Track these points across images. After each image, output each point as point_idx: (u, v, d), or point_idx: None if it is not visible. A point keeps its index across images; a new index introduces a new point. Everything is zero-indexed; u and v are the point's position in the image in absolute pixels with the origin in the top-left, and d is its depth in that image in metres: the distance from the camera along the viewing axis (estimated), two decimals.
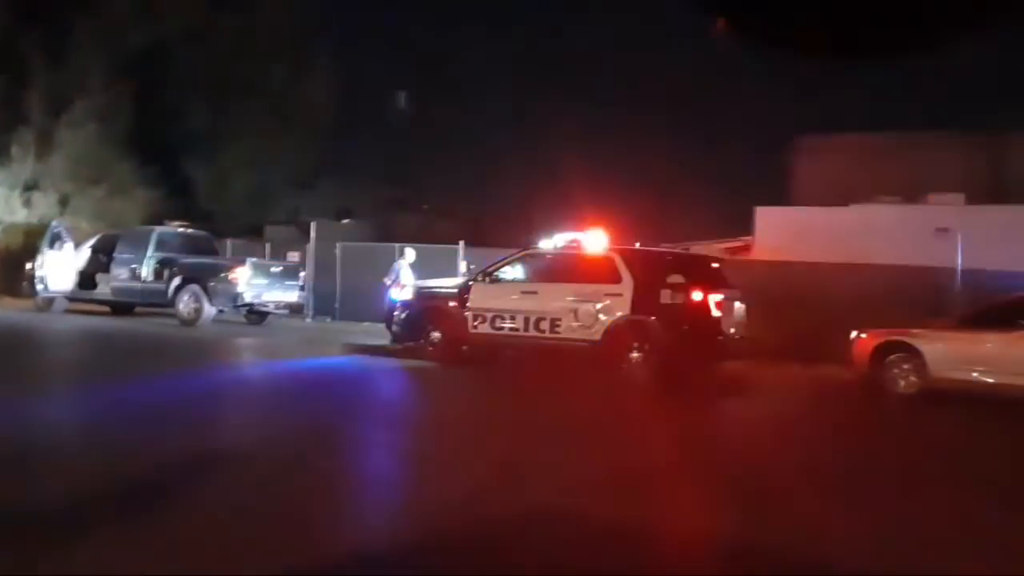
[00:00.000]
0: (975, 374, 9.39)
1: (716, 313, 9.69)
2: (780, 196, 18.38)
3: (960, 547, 4.25)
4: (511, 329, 10.61)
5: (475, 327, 10.84)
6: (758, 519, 4.55)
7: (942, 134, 18.30)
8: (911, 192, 16.35)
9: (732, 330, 10.08)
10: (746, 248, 16.62)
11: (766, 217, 16.58)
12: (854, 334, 10.58)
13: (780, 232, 15.68)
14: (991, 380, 9.25)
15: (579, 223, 11.75)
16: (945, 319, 10.42)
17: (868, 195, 16.45)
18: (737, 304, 10.37)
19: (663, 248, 12.89)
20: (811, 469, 6.06)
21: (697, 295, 9.71)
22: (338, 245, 18.83)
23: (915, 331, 10.04)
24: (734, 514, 4.70)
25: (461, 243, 17.12)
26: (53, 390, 8.06)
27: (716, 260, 11.21)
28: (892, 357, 10.02)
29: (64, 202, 23.01)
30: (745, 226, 17.00)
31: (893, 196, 16.36)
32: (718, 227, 18.03)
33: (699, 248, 14.93)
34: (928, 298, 12.35)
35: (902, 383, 9.92)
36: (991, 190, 16.26)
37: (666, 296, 9.84)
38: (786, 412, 9.28)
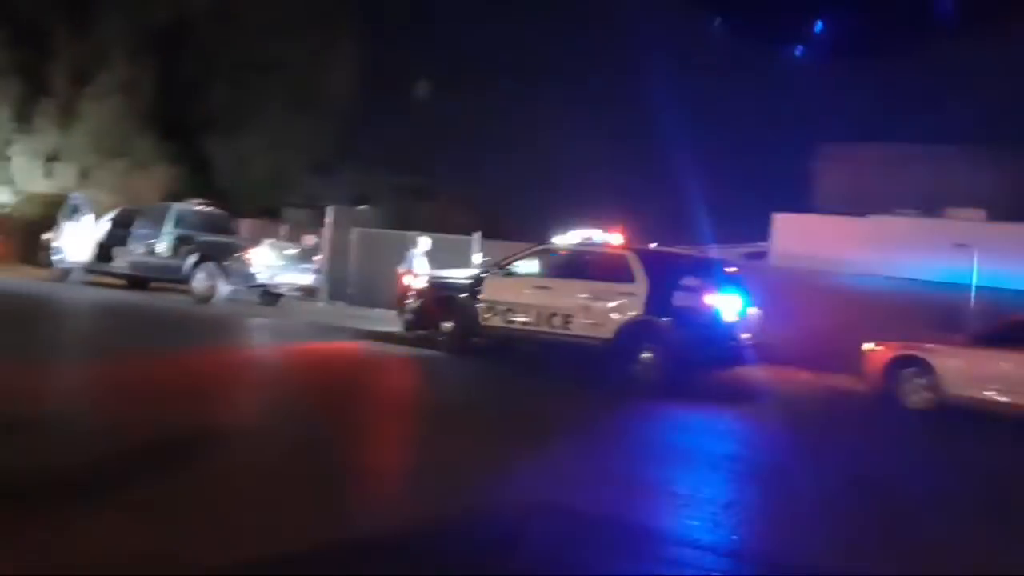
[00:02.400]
0: (989, 393, 9.30)
1: (730, 318, 9.63)
2: (799, 203, 18.25)
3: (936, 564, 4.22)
4: (523, 323, 10.60)
5: (487, 319, 10.84)
6: (748, 527, 4.53)
7: (966, 148, 18.13)
8: (931, 205, 16.21)
9: (745, 335, 10.02)
10: (763, 253, 16.53)
11: (784, 223, 16.48)
12: (867, 346, 10.52)
13: (797, 239, 15.60)
14: (1006, 400, 9.17)
15: (595, 221, 11.72)
16: (961, 335, 10.33)
17: (888, 206, 16.32)
18: (751, 309, 10.32)
19: (679, 250, 12.84)
20: (809, 480, 6.03)
21: (711, 298, 9.66)
22: (354, 231, 18.88)
23: (930, 346, 9.96)
24: (727, 520, 4.68)
25: (476, 234, 17.12)
26: (62, 360, 8.11)
27: (732, 264, 11.13)
28: (905, 371, 9.96)
29: (85, 174, 23.14)
30: (763, 231, 16.91)
31: (913, 208, 16.23)
32: (736, 231, 17.92)
33: (716, 251, 14.85)
34: (943, 313, 12.27)
35: (914, 398, 9.85)
36: (1014, 207, 16.09)
37: (680, 298, 9.79)
38: (792, 424, 9.22)
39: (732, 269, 10.82)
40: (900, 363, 10.02)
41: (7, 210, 23.34)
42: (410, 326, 11.81)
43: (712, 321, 9.59)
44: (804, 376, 12.40)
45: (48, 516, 3.42)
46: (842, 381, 11.60)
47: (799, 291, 13.08)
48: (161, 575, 2.98)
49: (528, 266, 11.08)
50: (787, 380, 11.96)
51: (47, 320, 11.98)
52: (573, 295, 10.31)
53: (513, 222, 21.16)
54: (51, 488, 3.85)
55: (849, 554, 4.18)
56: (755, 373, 10.86)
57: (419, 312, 11.57)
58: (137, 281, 16.82)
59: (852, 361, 10.77)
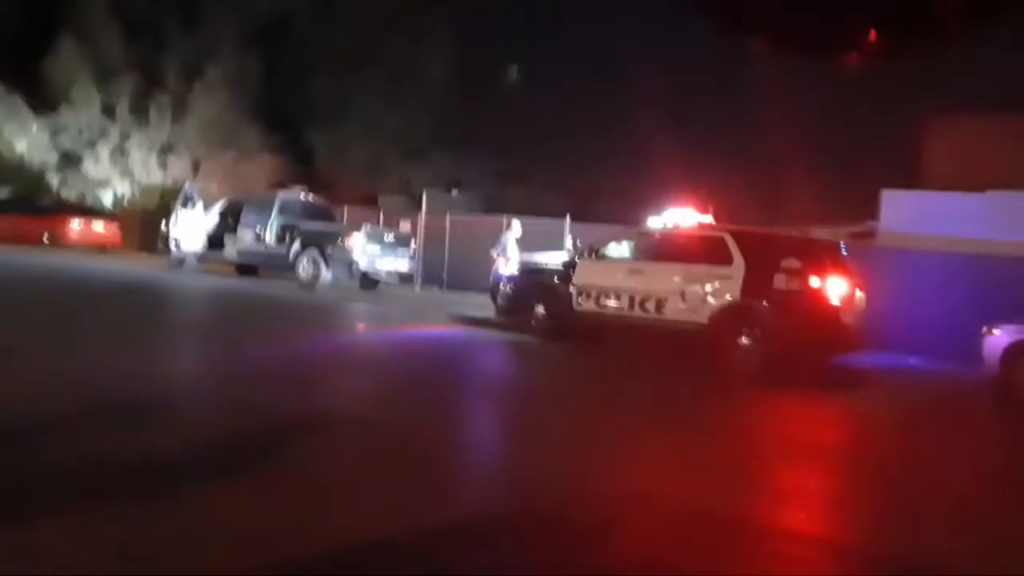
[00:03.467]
0: None
1: (834, 301, 9.28)
2: (909, 180, 17.32)
3: None
4: (616, 308, 10.53)
5: (579, 304, 10.83)
6: (856, 522, 4.38)
7: None
8: None
9: (851, 320, 9.63)
10: (870, 233, 15.81)
11: (893, 201, 15.69)
12: (985, 330, 9.93)
13: (908, 218, 14.83)
14: None
15: (691, 202, 11.49)
16: None
17: (1007, 181, 15.28)
18: (858, 293, 9.90)
19: (780, 231, 12.43)
20: (920, 473, 5.77)
21: (814, 281, 9.32)
22: (448, 216, 19.17)
23: None
24: (833, 514, 4.54)
25: (568, 218, 17.10)
26: (176, 345, 8.63)
27: (837, 245, 10.69)
28: None
29: (196, 165, 24.39)
30: (870, 210, 16.17)
31: None
32: (841, 210, 17.19)
33: (820, 232, 14.31)
34: None
35: None
36: None
37: (780, 281, 9.48)
38: (902, 413, 8.81)
39: (836, 250, 10.41)
40: (1020, 348, 9.41)
41: (126, 202, 24.92)
42: (503, 311, 11.93)
43: (815, 305, 9.26)
44: (914, 363, 11.83)
45: (175, 492, 3.67)
46: (955, 368, 11.01)
47: (909, 272, 12.46)
48: (289, 546, 3.15)
49: (621, 250, 10.99)
50: (896, 367, 11.44)
51: (167, 307, 12.76)
52: (668, 279, 10.17)
53: (605, 205, 21.00)
54: (174, 466, 4.11)
55: (962, 552, 3.99)
56: (861, 360, 10.44)
57: (512, 297, 11.66)
58: (246, 268, 17.63)
59: (967, 347, 10.19)
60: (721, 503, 4.37)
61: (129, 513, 3.36)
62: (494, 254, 14.03)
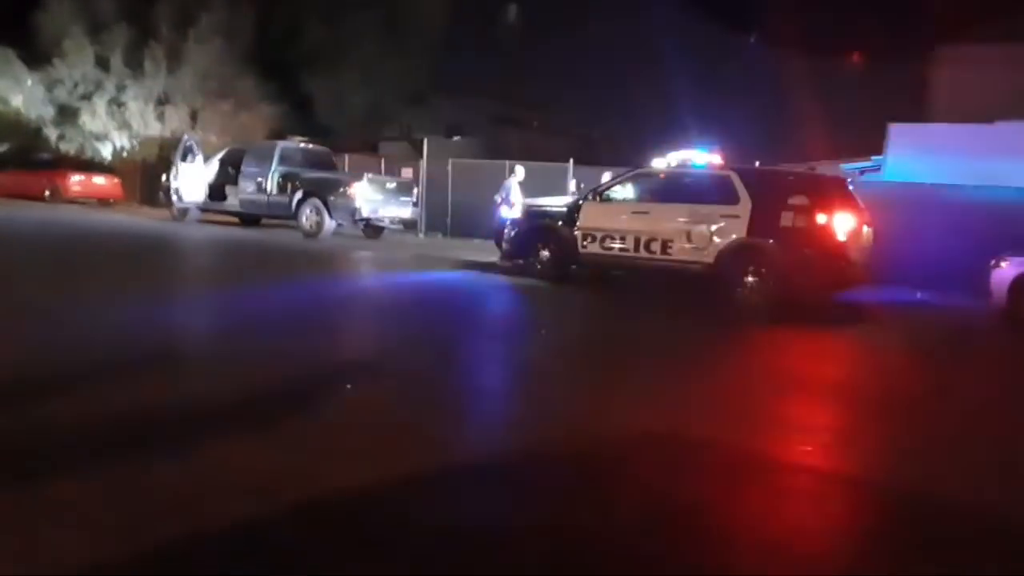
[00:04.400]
0: None
1: (841, 238, 9.23)
2: (916, 112, 17.05)
3: None
4: (621, 250, 10.51)
5: (584, 247, 10.81)
6: (864, 454, 4.43)
7: None
8: None
9: (858, 256, 9.60)
10: (877, 169, 15.65)
11: (900, 135, 15.47)
12: (993, 263, 9.90)
13: (916, 152, 14.64)
14: None
15: (694, 141, 11.36)
16: None
17: (1016, 111, 15.01)
18: (865, 228, 9.84)
19: (785, 168, 12.31)
20: (929, 409, 5.81)
21: (821, 218, 9.27)
22: (450, 162, 18.99)
23: None
24: (841, 447, 4.59)
25: (571, 161, 16.94)
26: (185, 296, 8.64)
27: (843, 181, 10.59)
28: None
29: (194, 116, 24.10)
30: (877, 145, 15.96)
31: None
32: (847, 146, 16.98)
33: (825, 168, 14.16)
34: None
35: None
36: None
37: (787, 218, 9.44)
38: (910, 346, 8.84)
39: (843, 186, 10.31)
40: None
41: (126, 154, 24.72)
42: (508, 255, 11.92)
43: (821, 242, 9.22)
44: (922, 297, 11.83)
45: (184, 442, 3.70)
46: (964, 302, 11.01)
47: (918, 207, 12.36)
48: (294, 491, 3.20)
49: (626, 192, 10.91)
50: (903, 302, 11.44)
51: (175, 258, 12.74)
52: (673, 219, 10.13)
53: (608, 147, 20.77)
54: (182, 416, 4.14)
55: (969, 483, 4.03)
56: (869, 295, 10.42)
57: (517, 241, 11.63)
58: (249, 218, 17.57)
59: (975, 281, 10.18)
60: (731, 438, 4.41)
61: (155, 462, 3.40)
62: (498, 199, 13.94)
